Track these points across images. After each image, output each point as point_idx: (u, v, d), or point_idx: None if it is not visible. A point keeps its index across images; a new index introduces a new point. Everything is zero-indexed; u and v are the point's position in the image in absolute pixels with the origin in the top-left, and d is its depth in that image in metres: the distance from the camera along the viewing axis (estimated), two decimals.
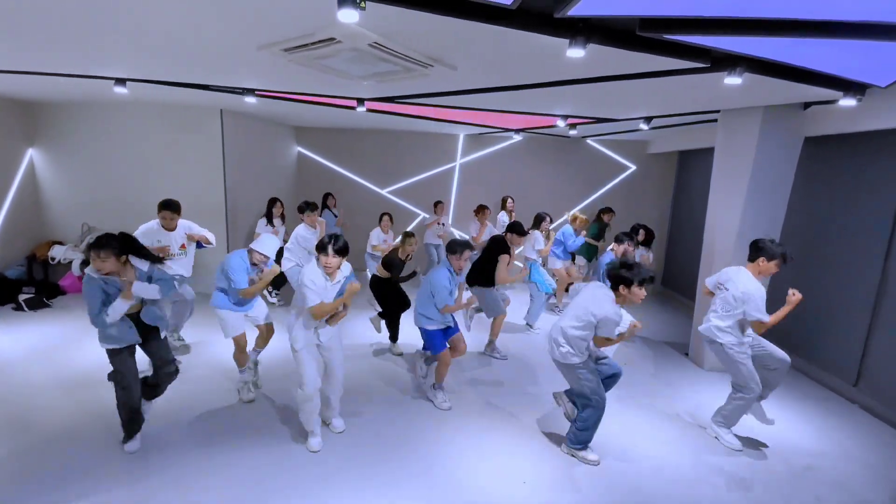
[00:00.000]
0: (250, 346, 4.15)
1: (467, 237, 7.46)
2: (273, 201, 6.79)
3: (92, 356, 4.68)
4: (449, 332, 4.15)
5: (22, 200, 6.75)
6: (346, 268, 3.33)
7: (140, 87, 4.94)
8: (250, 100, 5.32)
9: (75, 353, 4.79)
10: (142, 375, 3.29)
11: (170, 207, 4.43)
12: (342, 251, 3.13)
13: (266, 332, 4.17)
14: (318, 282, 3.13)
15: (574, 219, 6.75)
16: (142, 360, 3.28)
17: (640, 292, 3.09)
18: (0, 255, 6.44)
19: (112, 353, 3.09)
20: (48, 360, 4.63)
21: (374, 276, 5.21)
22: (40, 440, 3.34)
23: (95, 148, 6.85)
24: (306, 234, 5.77)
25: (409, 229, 8.52)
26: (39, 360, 4.61)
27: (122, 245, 2.93)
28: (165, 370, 3.31)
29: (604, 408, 3.32)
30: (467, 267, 4.30)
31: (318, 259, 3.16)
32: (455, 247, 4.06)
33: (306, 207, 5.92)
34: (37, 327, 5.49)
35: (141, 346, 3.22)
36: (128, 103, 6.47)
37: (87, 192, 6.98)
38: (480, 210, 7.43)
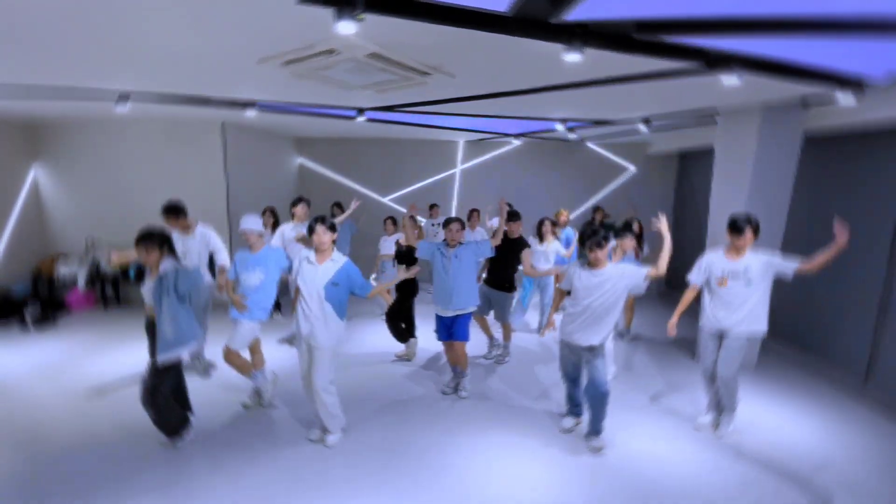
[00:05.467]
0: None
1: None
2: (263, 211, 6.30)
3: (99, 374, 4.70)
4: (447, 326, 4.22)
5: (26, 217, 6.80)
6: (339, 257, 3.38)
7: (142, 103, 4.98)
8: (250, 113, 5.35)
9: (82, 371, 4.79)
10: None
11: (166, 212, 4.50)
12: (332, 228, 3.31)
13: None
14: (301, 263, 3.36)
15: (558, 215, 6.78)
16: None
17: (591, 254, 3.36)
18: (5, 270, 6.48)
19: None
20: (56, 378, 4.63)
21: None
22: (47, 458, 3.34)
23: (98, 164, 6.91)
24: (292, 232, 5.07)
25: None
26: (47, 379, 4.61)
27: (163, 241, 3.25)
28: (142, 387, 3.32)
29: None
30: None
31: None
32: (445, 223, 4.21)
33: (299, 201, 5.29)
34: (43, 346, 5.50)
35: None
36: (130, 120, 6.53)
37: (90, 207, 7.03)
38: (471, 215, 7.31)
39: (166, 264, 3.24)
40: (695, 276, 3.72)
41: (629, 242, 4.81)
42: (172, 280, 3.19)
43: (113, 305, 7.05)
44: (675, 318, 3.74)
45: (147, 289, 3.31)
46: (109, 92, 4.54)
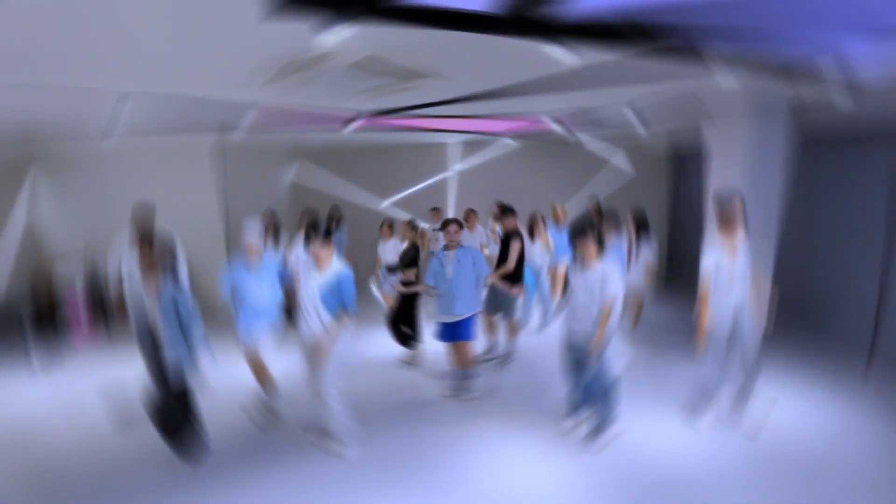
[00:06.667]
0: None
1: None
2: (264, 215, 5.95)
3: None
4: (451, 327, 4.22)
5: (24, 233, 6.88)
6: (338, 264, 3.40)
7: (131, 138, 4.94)
8: (240, 134, 5.31)
9: (93, 407, 4.67)
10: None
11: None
12: (326, 237, 3.32)
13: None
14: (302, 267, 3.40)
15: (554, 212, 6.64)
16: None
17: (577, 250, 3.39)
18: (7, 288, 6.54)
19: None
20: (67, 415, 4.54)
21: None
22: (63, 486, 3.32)
23: (94, 187, 6.96)
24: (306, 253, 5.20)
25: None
26: (58, 417, 4.52)
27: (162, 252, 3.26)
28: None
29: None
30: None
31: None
32: (443, 225, 4.28)
33: (303, 220, 5.23)
34: (52, 387, 5.37)
35: None
36: (124, 144, 6.50)
37: (86, 227, 7.04)
38: (469, 215, 7.21)
39: (167, 288, 3.21)
40: (710, 264, 3.61)
41: (611, 234, 4.80)
42: (173, 308, 3.21)
43: (117, 338, 6.99)
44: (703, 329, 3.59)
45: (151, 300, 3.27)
46: (104, 95, 4.48)
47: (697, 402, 3.86)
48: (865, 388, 4.43)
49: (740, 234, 3.56)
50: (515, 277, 4.93)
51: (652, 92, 4.98)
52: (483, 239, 7.13)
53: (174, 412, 3.33)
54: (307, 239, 3.34)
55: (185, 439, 3.43)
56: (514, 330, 5.24)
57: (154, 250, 3.23)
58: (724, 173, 4.96)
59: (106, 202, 6.95)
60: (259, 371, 3.89)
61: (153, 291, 3.22)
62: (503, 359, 5.25)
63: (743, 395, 3.75)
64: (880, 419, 3.89)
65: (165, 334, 3.20)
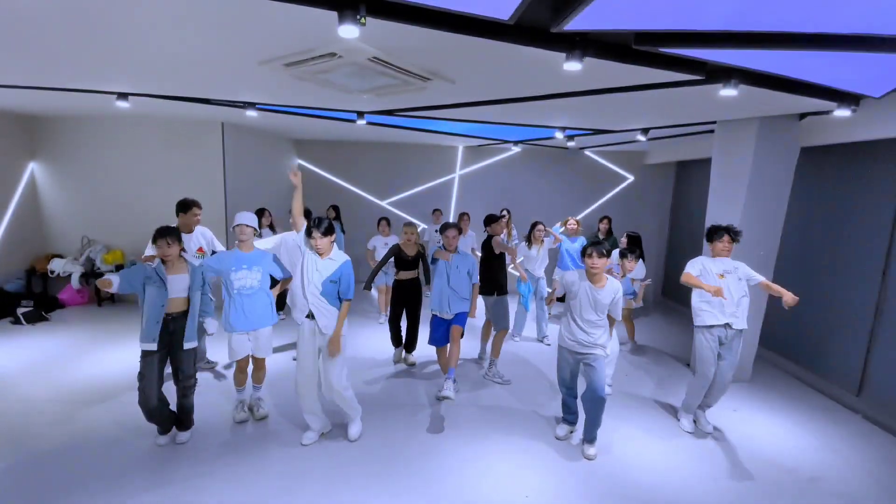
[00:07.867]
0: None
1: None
2: (260, 212, 6.22)
3: (91, 370, 4.68)
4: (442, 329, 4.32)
5: (22, 213, 6.77)
6: (338, 255, 3.43)
7: (141, 102, 4.98)
8: (251, 113, 5.35)
9: (74, 368, 4.76)
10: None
11: (179, 208, 4.56)
12: (328, 231, 3.33)
13: (254, 365, 3.94)
14: (304, 249, 3.42)
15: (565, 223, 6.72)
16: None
17: (588, 261, 3.40)
18: (1, 267, 6.44)
19: (143, 355, 3.25)
20: (47, 374, 4.60)
21: (395, 282, 5.12)
22: (39, 455, 3.31)
23: (96, 162, 6.90)
24: (297, 239, 5.15)
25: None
26: (38, 375, 4.58)
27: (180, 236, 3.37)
28: (184, 383, 3.43)
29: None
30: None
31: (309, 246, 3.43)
32: (442, 228, 4.37)
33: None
34: (35, 341, 5.47)
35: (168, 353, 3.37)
36: (129, 118, 6.52)
37: (87, 206, 7.02)
38: (461, 219, 7.26)
39: (193, 258, 3.35)
40: (695, 270, 3.81)
41: (631, 265, 4.84)
42: (201, 272, 3.41)
43: (106, 302, 7.03)
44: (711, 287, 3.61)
45: (176, 281, 3.29)
46: (108, 95, 4.55)
47: (686, 403, 4.08)
48: (856, 409, 4.51)
49: (728, 246, 3.80)
50: (499, 284, 4.96)
51: (666, 123, 5.10)
52: (473, 243, 7.21)
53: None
54: (308, 233, 3.34)
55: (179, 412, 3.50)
56: (488, 335, 5.27)
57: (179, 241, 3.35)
58: (726, 181, 5.00)
59: (106, 175, 6.95)
60: (260, 364, 3.90)
61: (175, 262, 3.31)
62: (478, 360, 5.30)
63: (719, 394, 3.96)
64: (870, 440, 3.98)
65: (200, 305, 3.40)
